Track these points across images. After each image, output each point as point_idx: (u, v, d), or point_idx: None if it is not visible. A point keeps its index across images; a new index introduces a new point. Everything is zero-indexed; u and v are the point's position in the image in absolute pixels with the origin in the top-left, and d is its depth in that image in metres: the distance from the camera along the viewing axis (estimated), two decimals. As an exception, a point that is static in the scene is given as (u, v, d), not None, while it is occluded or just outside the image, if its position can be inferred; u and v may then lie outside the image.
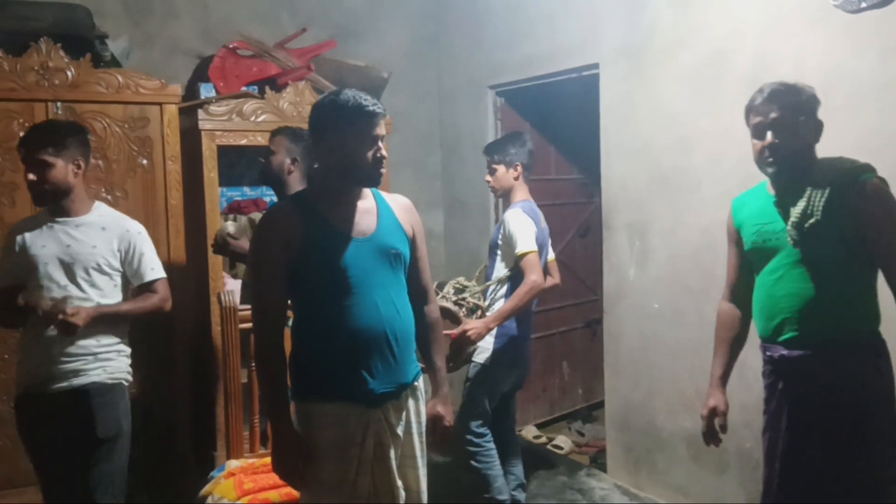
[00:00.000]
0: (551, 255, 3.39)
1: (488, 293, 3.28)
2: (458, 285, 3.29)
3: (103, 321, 2.49)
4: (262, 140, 3.75)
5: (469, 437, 3.18)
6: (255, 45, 3.99)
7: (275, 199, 4.15)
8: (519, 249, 3.07)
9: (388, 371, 2.01)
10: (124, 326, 2.63)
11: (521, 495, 3.38)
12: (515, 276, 3.15)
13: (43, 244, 2.52)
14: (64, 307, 2.36)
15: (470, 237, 4.84)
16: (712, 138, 3.20)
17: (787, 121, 2.10)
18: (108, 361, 2.53)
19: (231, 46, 3.95)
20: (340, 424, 1.99)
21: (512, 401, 3.45)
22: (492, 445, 3.22)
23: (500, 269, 3.24)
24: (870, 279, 2.11)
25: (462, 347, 3.04)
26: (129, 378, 2.62)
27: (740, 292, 2.35)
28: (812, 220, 2.06)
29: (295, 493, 2.41)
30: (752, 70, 2.98)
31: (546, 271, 3.27)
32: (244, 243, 3.01)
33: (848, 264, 2.07)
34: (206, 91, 3.85)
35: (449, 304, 3.09)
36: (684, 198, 3.37)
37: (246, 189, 4.21)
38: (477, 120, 4.69)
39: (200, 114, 3.60)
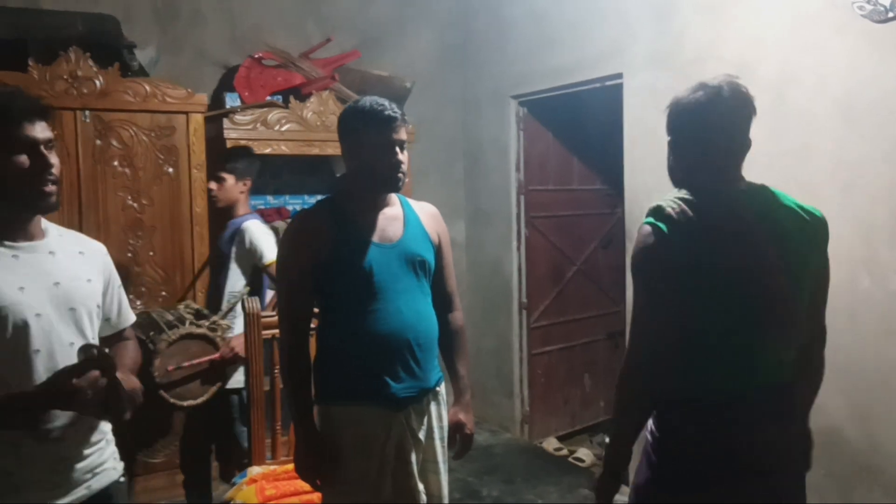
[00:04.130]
0: None
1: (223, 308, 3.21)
2: (189, 310, 3.17)
3: None
4: (286, 149, 3.79)
5: None
6: (280, 55, 4.03)
7: (297, 207, 4.23)
8: (267, 259, 3.07)
9: (410, 376, 2.02)
10: None
11: None
12: (258, 288, 3.17)
13: (20, 285, 1.56)
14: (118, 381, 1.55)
15: (492, 246, 4.83)
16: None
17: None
18: (110, 442, 1.79)
19: (256, 56, 3.99)
20: (362, 426, 1.99)
21: None
22: None
23: (237, 283, 3.19)
24: None
25: (227, 366, 3.07)
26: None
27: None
28: None
29: (316, 501, 2.41)
30: (777, 79, 2.96)
31: None
32: None
33: None
34: (231, 100, 3.89)
35: (204, 331, 3.01)
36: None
37: (269, 198, 4.25)
38: (500, 129, 4.69)
39: (226, 123, 3.64)
